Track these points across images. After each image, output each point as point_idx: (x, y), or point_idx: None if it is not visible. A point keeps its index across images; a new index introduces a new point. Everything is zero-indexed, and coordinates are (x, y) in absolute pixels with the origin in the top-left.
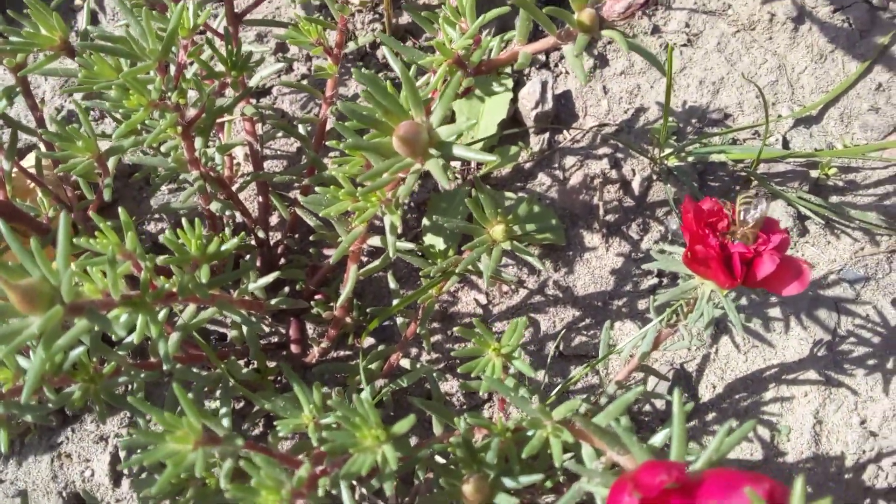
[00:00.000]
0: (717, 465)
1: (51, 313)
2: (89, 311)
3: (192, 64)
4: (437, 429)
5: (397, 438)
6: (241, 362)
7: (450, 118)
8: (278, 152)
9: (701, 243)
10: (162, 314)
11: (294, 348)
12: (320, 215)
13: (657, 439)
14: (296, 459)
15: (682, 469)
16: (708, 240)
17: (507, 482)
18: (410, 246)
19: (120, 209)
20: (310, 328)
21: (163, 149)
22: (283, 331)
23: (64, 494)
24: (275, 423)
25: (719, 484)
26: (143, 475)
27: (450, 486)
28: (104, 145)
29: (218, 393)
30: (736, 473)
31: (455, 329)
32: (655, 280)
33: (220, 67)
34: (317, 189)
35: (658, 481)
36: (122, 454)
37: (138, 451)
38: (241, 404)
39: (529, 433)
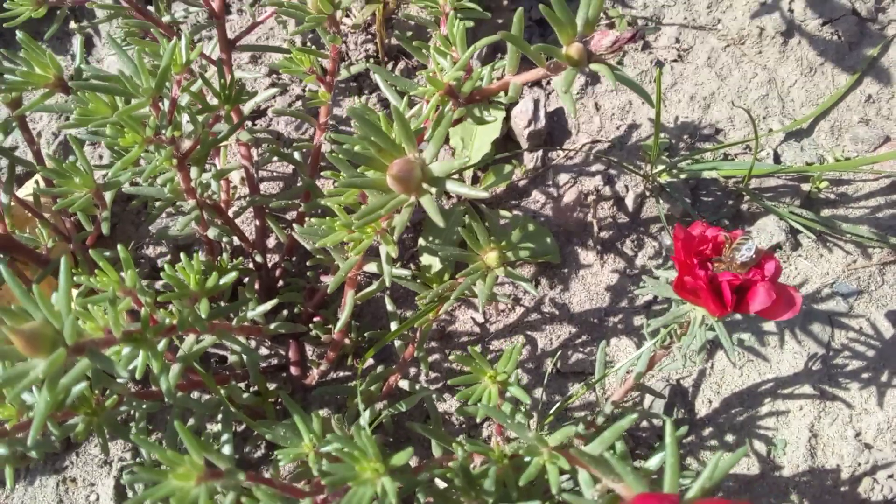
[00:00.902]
0: (711, 493)
1: (54, 356)
2: (90, 351)
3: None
4: (437, 451)
5: (396, 468)
6: (242, 385)
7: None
8: (274, 174)
9: (689, 274)
10: (162, 344)
11: (294, 370)
12: (316, 245)
13: (652, 463)
14: (297, 489)
15: (675, 501)
16: (696, 270)
17: None
18: (406, 273)
19: (119, 246)
20: (309, 350)
21: (159, 181)
22: (283, 353)
23: None
24: (275, 451)
25: None
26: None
27: None
28: (100, 173)
29: (219, 418)
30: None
31: (452, 357)
32: (651, 297)
33: (214, 100)
34: (312, 220)
35: None
36: (125, 476)
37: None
38: (243, 427)
39: (526, 459)
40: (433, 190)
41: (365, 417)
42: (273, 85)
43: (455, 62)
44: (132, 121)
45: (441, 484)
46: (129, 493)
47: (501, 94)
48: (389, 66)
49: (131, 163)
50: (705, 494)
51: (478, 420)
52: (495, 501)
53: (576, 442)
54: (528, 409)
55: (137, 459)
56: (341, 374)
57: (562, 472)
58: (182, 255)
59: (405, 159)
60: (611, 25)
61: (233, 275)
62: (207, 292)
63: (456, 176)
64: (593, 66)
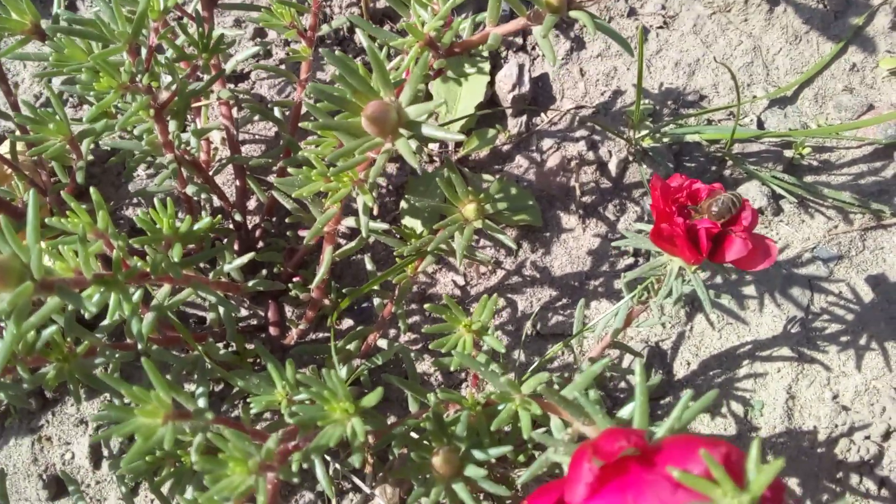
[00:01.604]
0: (680, 433)
1: (21, 289)
2: (60, 288)
3: (167, 50)
4: (413, 407)
5: (368, 412)
6: (220, 345)
7: (425, 101)
8: (256, 137)
9: (667, 221)
10: (137, 295)
11: (273, 330)
12: (294, 196)
13: (625, 412)
14: (267, 434)
15: (641, 436)
16: (674, 217)
17: (477, 454)
18: (384, 226)
19: (92, 189)
20: (288, 311)
21: (136, 132)
22: (262, 313)
23: (44, 477)
24: (248, 399)
25: (678, 449)
26: (122, 456)
27: (420, 459)
28: (79, 129)
29: (195, 375)
30: (694, 438)
31: (426, 306)
32: (631, 260)
33: (193, 51)
34: (290, 171)
35: (617, 447)
36: (95, 432)
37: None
38: (221, 387)
39: (500, 407)
40: (409, 134)
41: (342, 372)
42: (256, 46)
43: (436, 14)
44: (108, 65)
45: (416, 437)
46: (104, 450)
47: (483, 49)
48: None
49: (107, 108)
50: (673, 433)
51: (451, 369)
52: (467, 447)
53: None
54: (506, 366)
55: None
56: (321, 335)
57: (538, 424)
58: (156, 200)
59: (380, 101)
60: None
61: (207, 220)
62: (181, 237)
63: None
64: (573, 14)
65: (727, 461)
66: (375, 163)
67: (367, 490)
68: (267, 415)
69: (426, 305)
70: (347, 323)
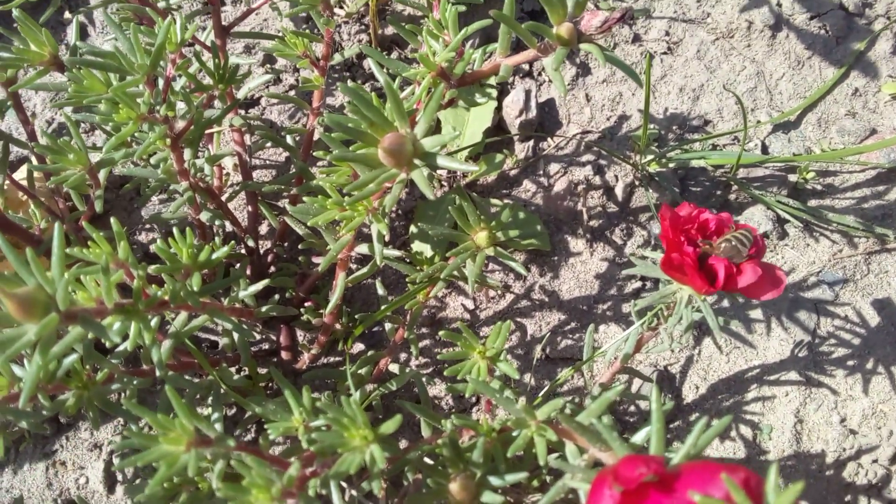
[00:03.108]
0: (696, 459)
1: (46, 321)
2: (83, 318)
3: (181, 77)
4: (426, 431)
5: (385, 438)
6: (233, 369)
7: (435, 128)
8: (267, 162)
9: (677, 251)
10: (154, 322)
11: (285, 355)
12: (308, 224)
13: (638, 437)
14: (286, 461)
15: (660, 462)
16: (684, 247)
17: (494, 480)
18: (397, 253)
19: (112, 219)
20: (300, 335)
21: (152, 160)
22: (274, 338)
23: (59, 502)
24: (265, 426)
25: (697, 474)
26: (137, 481)
27: (437, 485)
28: (95, 157)
29: (210, 400)
30: (713, 465)
31: (441, 333)
32: (639, 284)
33: (208, 80)
34: (305, 199)
35: (637, 474)
36: (115, 459)
37: (131, 453)
38: (234, 411)
39: (515, 433)
40: (424, 164)
41: (355, 397)
42: (267, 73)
43: (447, 45)
44: (126, 97)
45: (430, 462)
46: (118, 475)
47: (493, 78)
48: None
49: (125, 139)
50: (690, 459)
51: (466, 395)
52: (484, 473)
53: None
54: (516, 391)
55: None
56: (332, 359)
57: (551, 449)
58: (174, 229)
59: (396, 133)
60: None
61: (224, 250)
62: (199, 266)
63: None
64: (583, 46)
65: (747, 485)
66: (391, 192)
67: None
68: (279, 438)
69: (441, 333)
70: (358, 347)
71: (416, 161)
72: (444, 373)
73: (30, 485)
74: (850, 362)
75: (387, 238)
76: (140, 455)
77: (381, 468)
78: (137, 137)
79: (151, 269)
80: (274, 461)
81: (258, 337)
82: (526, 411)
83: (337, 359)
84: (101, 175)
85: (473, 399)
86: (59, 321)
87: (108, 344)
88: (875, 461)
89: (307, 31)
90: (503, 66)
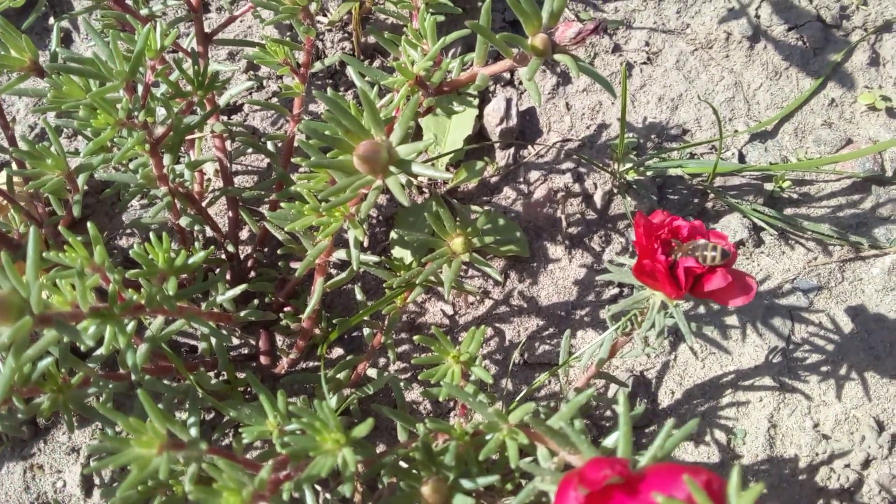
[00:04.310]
0: (663, 461)
1: (20, 324)
2: (57, 321)
3: (162, 83)
4: (402, 436)
5: (359, 442)
6: (211, 374)
7: (415, 135)
8: (249, 168)
9: (649, 257)
10: (131, 326)
11: (263, 360)
12: (286, 230)
13: (609, 441)
14: (258, 464)
15: (625, 464)
16: (656, 254)
17: (465, 484)
18: (375, 259)
19: (89, 224)
20: (279, 340)
21: (131, 165)
22: (254, 342)
23: None
24: (240, 429)
25: (661, 477)
26: (115, 485)
27: (409, 488)
28: (75, 163)
29: (187, 404)
30: (677, 467)
31: (416, 338)
32: (616, 290)
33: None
34: (283, 204)
35: (602, 475)
36: (92, 463)
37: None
38: (212, 415)
39: (487, 437)
40: (399, 172)
41: (331, 402)
42: (250, 80)
43: (426, 54)
44: (105, 103)
45: (405, 466)
46: (96, 479)
47: (471, 87)
48: (364, 64)
49: (104, 144)
50: (656, 462)
51: (440, 399)
52: (456, 476)
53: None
54: (493, 395)
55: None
56: (311, 364)
57: (525, 453)
58: (151, 234)
59: (372, 141)
60: None
61: (201, 255)
62: (176, 271)
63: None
64: (557, 57)
65: (709, 487)
66: (367, 199)
67: None
68: (257, 444)
69: (415, 337)
70: (338, 352)
71: (392, 168)
72: (419, 377)
73: (7, 488)
74: (824, 368)
75: (365, 244)
76: (112, 458)
77: (353, 471)
78: (117, 143)
79: (128, 273)
80: (247, 464)
81: (237, 342)
82: (498, 415)
83: (316, 364)
84: (80, 180)
85: (451, 404)
86: (34, 324)
87: (83, 348)
88: (847, 466)
89: (290, 38)
90: (480, 75)
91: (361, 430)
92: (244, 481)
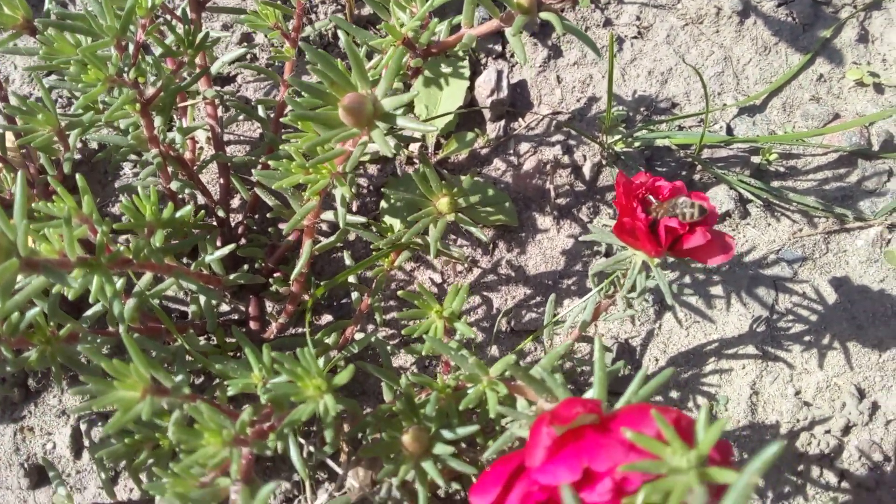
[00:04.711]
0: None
1: (7, 264)
2: (45, 267)
3: (154, 51)
4: (388, 396)
5: (340, 392)
6: (201, 339)
7: (407, 109)
8: (241, 137)
9: (629, 215)
10: (120, 284)
11: (253, 325)
12: (276, 190)
13: (588, 394)
14: (236, 412)
15: (597, 404)
16: (636, 212)
17: (446, 434)
18: (362, 219)
19: (78, 175)
20: (269, 306)
21: (122, 126)
22: (243, 308)
23: (26, 466)
24: (225, 382)
25: (632, 416)
26: (101, 443)
27: (390, 438)
28: (67, 122)
29: (175, 366)
30: (646, 406)
31: (399, 293)
32: (603, 258)
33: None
34: (271, 163)
35: (574, 412)
36: (82, 425)
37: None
38: (201, 379)
39: (469, 389)
40: (384, 124)
41: (310, 349)
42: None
43: (414, 16)
44: (95, 59)
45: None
46: (85, 441)
47: (459, 49)
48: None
49: (94, 100)
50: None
51: (423, 353)
52: (437, 428)
53: None
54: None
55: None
56: (300, 330)
57: (503, 405)
58: (139, 188)
59: (357, 93)
60: None
61: (188, 208)
62: (163, 224)
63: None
64: (542, 15)
65: (677, 424)
66: (353, 153)
67: (339, 471)
68: (244, 404)
69: (399, 292)
70: (327, 318)
71: (377, 122)
72: (402, 332)
73: None
74: (807, 338)
75: (354, 207)
76: (96, 400)
77: (334, 417)
78: (108, 104)
79: (115, 225)
80: (230, 414)
81: (228, 308)
82: (479, 366)
83: (305, 329)
84: (72, 138)
85: (435, 366)
86: (20, 267)
87: (70, 296)
88: (828, 432)
89: (280, 4)
90: (466, 35)
91: (343, 377)
92: (225, 424)
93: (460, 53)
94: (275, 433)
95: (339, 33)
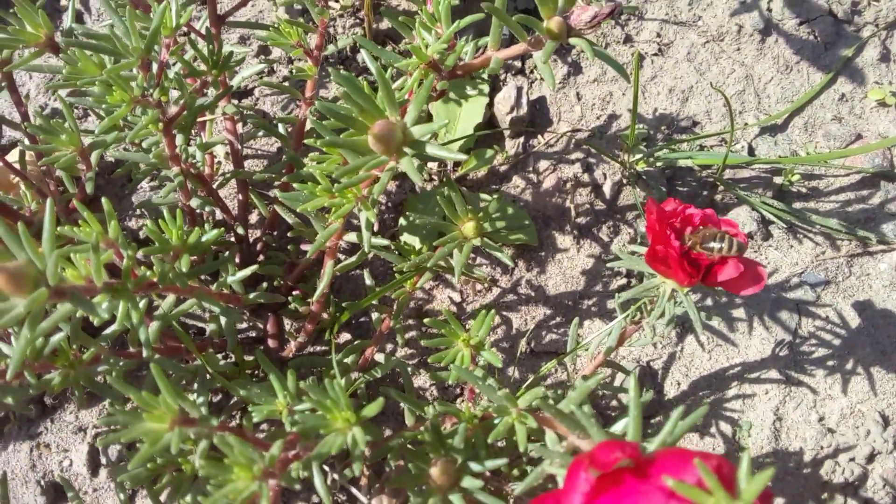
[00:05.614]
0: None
1: (36, 294)
2: (73, 294)
3: (175, 64)
4: (410, 420)
5: (367, 424)
6: (219, 356)
7: (426, 120)
8: (259, 152)
9: (662, 243)
10: (142, 304)
11: (271, 343)
12: (298, 211)
13: (617, 427)
14: (268, 443)
15: (635, 448)
16: (669, 240)
17: (474, 466)
18: (385, 242)
19: (104, 199)
20: (287, 324)
21: (144, 145)
22: (262, 326)
23: (42, 483)
24: (249, 408)
25: (671, 460)
26: (122, 464)
27: (418, 470)
28: (87, 140)
29: (195, 385)
30: (687, 451)
31: (426, 320)
32: (624, 280)
33: (203, 68)
34: (295, 186)
35: (612, 458)
36: (99, 441)
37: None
38: (219, 397)
39: (496, 420)
40: (413, 152)
41: (339, 380)
42: (261, 64)
43: (439, 37)
44: (120, 79)
45: (413, 449)
46: (102, 458)
47: (484, 71)
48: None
49: (118, 121)
50: (665, 447)
51: (449, 381)
52: (464, 459)
53: None
54: (501, 382)
55: (112, 427)
56: (319, 348)
57: (532, 438)
58: (165, 212)
59: (386, 121)
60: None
61: (214, 232)
62: (189, 249)
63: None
64: (573, 41)
65: (719, 472)
66: (380, 180)
67: (363, 500)
68: (264, 426)
69: (426, 320)
70: (345, 337)
71: (406, 149)
72: (429, 360)
73: (14, 466)
74: (830, 362)
75: (375, 227)
76: (124, 431)
77: (363, 451)
78: (130, 122)
79: (142, 250)
80: (257, 443)
81: (246, 325)
82: (508, 399)
83: (323, 348)
84: (93, 158)
85: (458, 390)
86: (49, 296)
87: (96, 322)
88: (852, 460)
89: (302, 21)
90: (494, 59)
91: (372, 409)
92: (254, 458)
93: (484, 75)
94: (300, 462)
95: (363, 53)
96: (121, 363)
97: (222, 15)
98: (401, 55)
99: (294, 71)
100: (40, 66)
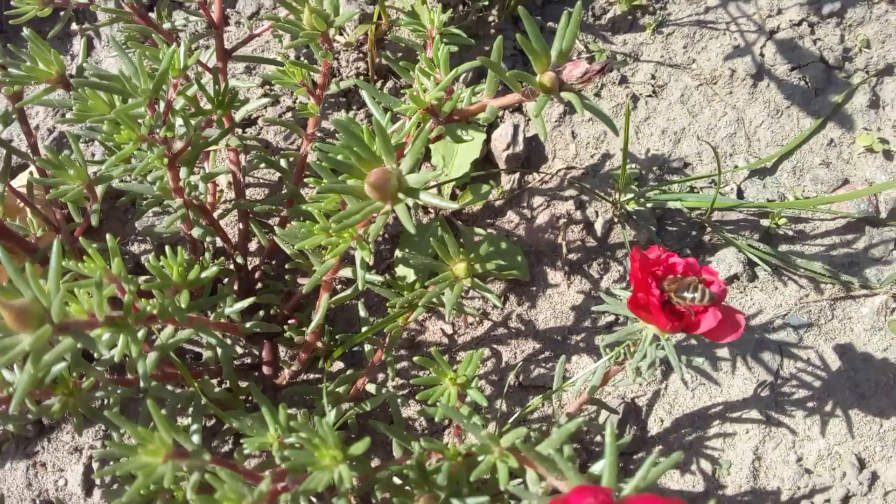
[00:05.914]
0: (646, 492)
1: (41, 332)
2: (75, 330)
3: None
4: (397, 452)
5: (354, 459)
6: (214, 382)
7: (424, 156)
8: (261, 181)
9: (644, 291)
10: (141, 333)
11: (266, 370)
12: (296, 248)
13: (596, 468)
14: (258, 475)
15: (608, 493)
16: (651, 289)
17: (456, 503)
18: (379, 279)
19: (108, 236)
20: (282, 351)
21: (149, 178)
22: (257, 353)
23: (38, 502)
24: (241, 440)
25: None
26: (115, 486)
27: None
28: (93, 169)
29: (190, 410)
30: (657, 499)
31: (416, 359)
32: (612, 318)
33: (207, 104)
34: (293, 223)
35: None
36: (95, 466)
37: (111, 462)
38: (213, 422)
39: (479, 458)
40: (408, 199)
41: (330, 416)
42: (265, 95)
43: (438, 83)
44: (129, 119)
45: (399, 482)
46: (97, 479)
47: (480, 115)
48: (378, 84)
49: (124, 159)
50: (639, 492)
51: (436, 419)
52: (447, 496)
53: None
54: (487, 416)
55: (108, 447)
56: (312, 376)
57: (515, 476)
58: (167, 247)
59: (383, 169)
60: (591, 59)
61: (214, 269)
62: (189, 284)
63: (434, 191)
64: (564, 95)
65: None
66: (375, 222)
67: None
68: (256, 452)
69: (415, 358)
70: (338, 366)
71: (401, 195)
72: (417, 396)
73: (10, 484)
74: (810, 404)
75: (370, 263)
76: (119, 465)
77: (349, 487)
78: (137, 155)
79: (143, 284)
80: (247, 475)
81: (241, 351)
82: (490, 438)
83: (317, 375)
84: (99, 190)
85: (446, 422)
86: (52, 332)
87: (96, 354)
88: (827, 501)
89: (306, 58)
90: (489, 107)
91: (358, 447)
92: (244, 492)
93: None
94: (289, 494)
95: (365, 95)
96: (118, 391)
97: (229, 49)
98: (402, 89)
99: (297, 105)
100: (51, 101)
